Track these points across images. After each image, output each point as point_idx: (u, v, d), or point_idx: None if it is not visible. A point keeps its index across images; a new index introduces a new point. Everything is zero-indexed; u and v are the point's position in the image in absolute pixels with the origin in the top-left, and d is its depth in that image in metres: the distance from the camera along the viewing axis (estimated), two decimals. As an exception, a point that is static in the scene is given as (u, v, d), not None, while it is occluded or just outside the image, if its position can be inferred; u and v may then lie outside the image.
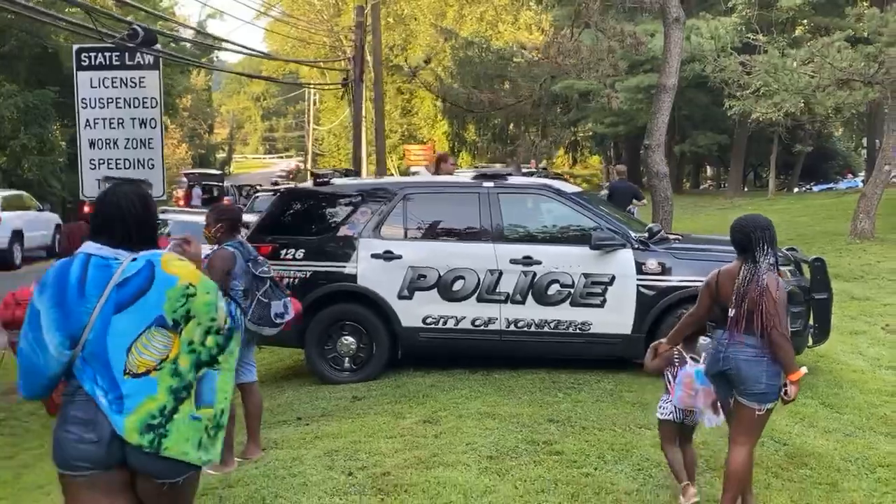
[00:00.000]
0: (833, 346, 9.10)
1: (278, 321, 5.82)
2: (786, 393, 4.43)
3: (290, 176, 76.58)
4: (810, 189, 46.79)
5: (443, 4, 62.02)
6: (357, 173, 10.28)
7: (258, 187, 40.45)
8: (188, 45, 35.91)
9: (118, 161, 13.50)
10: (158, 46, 13.40)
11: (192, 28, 30.41)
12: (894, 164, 18.57)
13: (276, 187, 41.97)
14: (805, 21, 34.38)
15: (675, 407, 4.91)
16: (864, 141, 40.18)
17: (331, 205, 8.53)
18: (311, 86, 53.03)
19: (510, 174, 9.50)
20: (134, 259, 3.13)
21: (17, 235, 21.45)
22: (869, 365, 8.90)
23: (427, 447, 5.87)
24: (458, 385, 7.73)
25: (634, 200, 14.29)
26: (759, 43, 23.65)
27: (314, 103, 77.14)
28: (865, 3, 30.95)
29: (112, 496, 3.06)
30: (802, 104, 20.79)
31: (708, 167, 60.88)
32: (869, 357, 9.28)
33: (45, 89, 30.87)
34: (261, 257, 6.07)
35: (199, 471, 3.23)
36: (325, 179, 8.63)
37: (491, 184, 8.38)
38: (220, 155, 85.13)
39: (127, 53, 13.24)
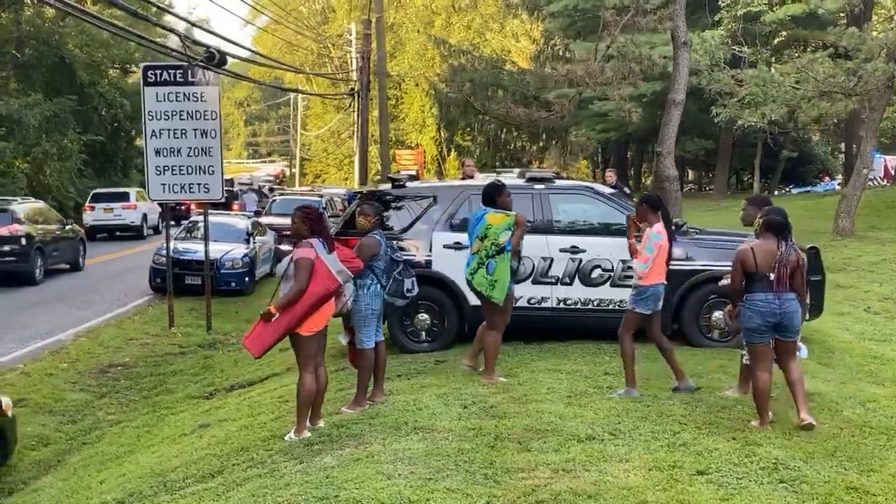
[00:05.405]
0: (824, 324, 10.80)
1: (408, 294, 7.41)
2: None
3: (278, 180, 77.71)
4: (789, 192, 48.68)
5: (430, 13, 63.35)
6: (417, 177, 11.84)
7: (273, 190, 42.02)
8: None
9: (181, 167, 15.00)
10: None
11: (192, 25, 31.70)
12: (871, 168, 20.37)
13: (279, 187, 43.33)
14: (784, 33, 36.26)
15: None
16: (843, 146, 42.12)
17: (407, 203, 10.10)
18: (319, 95, 54.20)
19: (557, 177, 11.08)
20: (482, 211, 7.93)
21: (144, 217, 31.18)
22: (855, 337, 10.64)
23: (516, 391, 7.49)
24: (520, 352, 9.35)
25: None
26: (743, 55, 25.50)
27: (303, 109, 78.28)
28: (843, 17, 32.86)
29: None
30: (787, 112, 22.57)
31: (690, 171, 62.82)
32: (854, 332, 11.02)
33: (65, 98, 32.16)
34: (395, 243, 7.60)
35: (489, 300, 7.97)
36: (402, 183, 10.22)
37: (542, 186, 10.01)
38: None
39: (190, 71, 14.80)
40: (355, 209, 10.29)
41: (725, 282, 7.74)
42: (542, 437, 6.03)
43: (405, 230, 9.90)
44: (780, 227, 6.39)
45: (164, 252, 16.79)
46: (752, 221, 7.22)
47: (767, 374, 6.43)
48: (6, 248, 18.86)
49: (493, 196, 8.07)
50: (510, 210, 8.13)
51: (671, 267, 9.51)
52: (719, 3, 31.63)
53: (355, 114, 33.92)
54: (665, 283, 7.61)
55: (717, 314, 9.52)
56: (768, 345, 6.45)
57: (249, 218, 22.68)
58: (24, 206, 20.29)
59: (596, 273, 9.64)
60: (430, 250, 9.85)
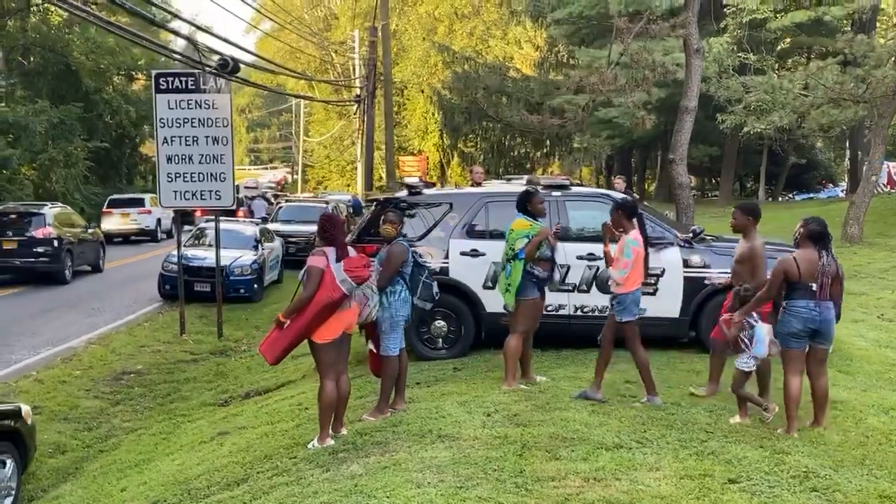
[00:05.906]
0: (839, 332, 10.64)
1: (437, 298, 7.44)
2: None
3: (279, 187, 77.77)
4: (792, 198, 48.77)
5: (433, 20, 63.38)
6: (433, 185, 11.86)
7: (278, 197, 42.11)
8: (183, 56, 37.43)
9: (193, 175, 14.99)
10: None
11: (199, 29, 31.52)
12: (880, 175, 20.36)
13: (281, 194, 43.34)
14: (788, 40, 36.33)
15: (753, 359, 6.66)
16: (848, 153, 42.11)
17: (424, 211, 10.10)
18: (325, 101, 54.24)
19: (571, 185, 11.06)
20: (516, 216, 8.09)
21: (159, 222, 32.43)
22: (871, 345, 10.62)
23: (538, 398, 7.48)
24: (537, 361, 9.30)
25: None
26: (749, 62, 25.53)
27: (305, 115, 78.39)
28: (847, 25, 32.87)
29: None
30: (795, 119, 22.59)
31: (693, 177, 62.82)
32: (870, 339, 10.99)
33: (70, 105, 32.24)
34: (418, 249, 7.61)
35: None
36: (418, 189, 10.22)
37: (558, 193, 10.00)
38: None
39: (202, 78, 14.80)
40: (373, 216, 10.37)
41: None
42: (570, 446, 6.01)
43: (421, 237, 9.90)
44: (820, 237, 6.46)
45: (174, 259, 16.79)
46: (741, 227, 7.44)
47: (799, 380, 6.44)
48: (40, 249, 20.16)
49: (524, 202, 8.13)
50: (542, 216, 8.17)
51: (688, 274, 9.62)
52: (725, 10, 31.68)
53: (360, 120, 33.92)
54: (640, 288, 7.60)
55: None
56: (803, 350, 6.47)
57: (257, 225, 22.66)
58: (53, 211, 21.52)
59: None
60: (447, 257, 9.85)
